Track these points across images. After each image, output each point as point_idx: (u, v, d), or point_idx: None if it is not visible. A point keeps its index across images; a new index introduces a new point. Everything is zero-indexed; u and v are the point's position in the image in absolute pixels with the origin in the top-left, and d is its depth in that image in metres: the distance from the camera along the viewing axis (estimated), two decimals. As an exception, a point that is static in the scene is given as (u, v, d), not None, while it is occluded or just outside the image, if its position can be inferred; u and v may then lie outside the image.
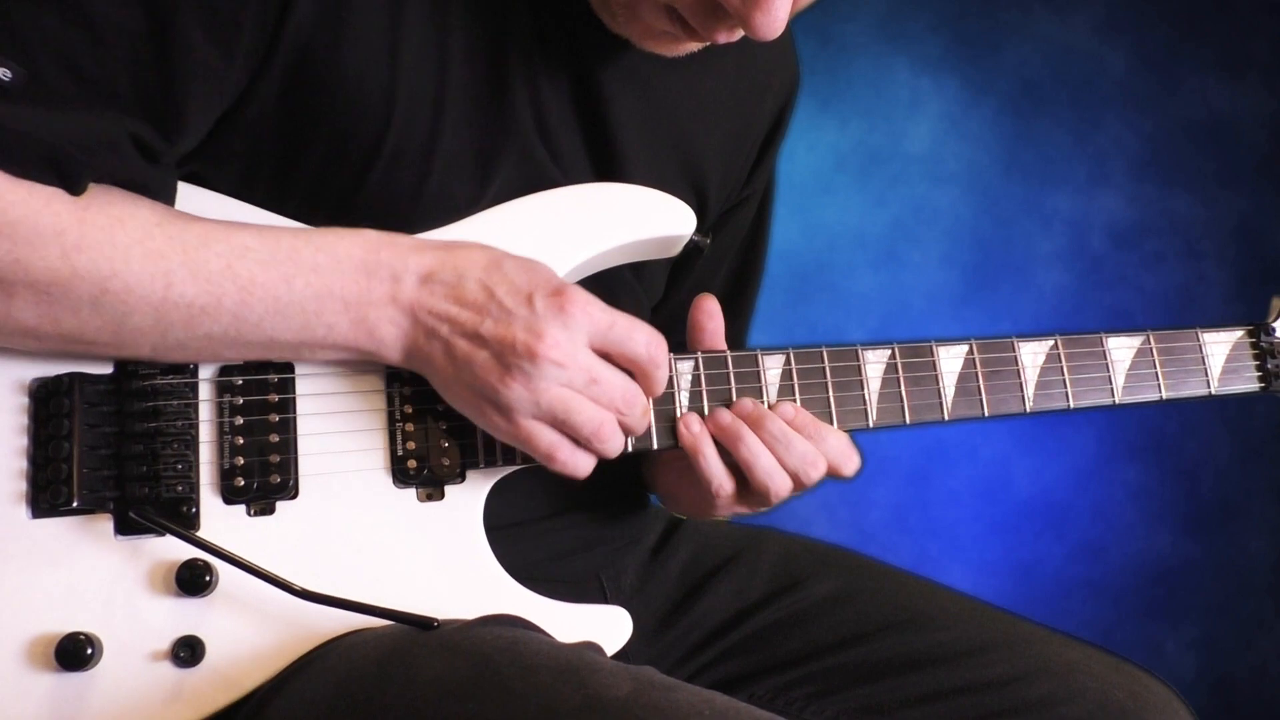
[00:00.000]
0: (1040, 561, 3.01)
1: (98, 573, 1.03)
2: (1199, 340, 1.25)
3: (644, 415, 1.07)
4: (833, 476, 1.13)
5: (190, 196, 1.07)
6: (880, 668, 1.24)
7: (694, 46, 1.12)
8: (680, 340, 1.43)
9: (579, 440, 1.04)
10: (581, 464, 1.05)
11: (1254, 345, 1.26)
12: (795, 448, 1.10)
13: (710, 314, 1.16)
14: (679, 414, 1.11)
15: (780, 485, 1.10)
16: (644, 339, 1.04)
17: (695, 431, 1.10)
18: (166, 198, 1.03)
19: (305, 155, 1.06)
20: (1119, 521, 3.04)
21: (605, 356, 1.04)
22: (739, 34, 1.05)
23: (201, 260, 0.98)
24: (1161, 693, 1.21)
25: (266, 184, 1.08)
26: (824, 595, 1.29)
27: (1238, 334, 1.26)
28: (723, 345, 1.16)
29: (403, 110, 1.07)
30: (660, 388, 1.08)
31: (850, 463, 1.13)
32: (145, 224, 0.97)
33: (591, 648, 1.02)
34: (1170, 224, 3.11)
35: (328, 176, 1.07)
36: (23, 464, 1.04)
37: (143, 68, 0.97)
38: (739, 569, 1.33)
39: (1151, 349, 1.23)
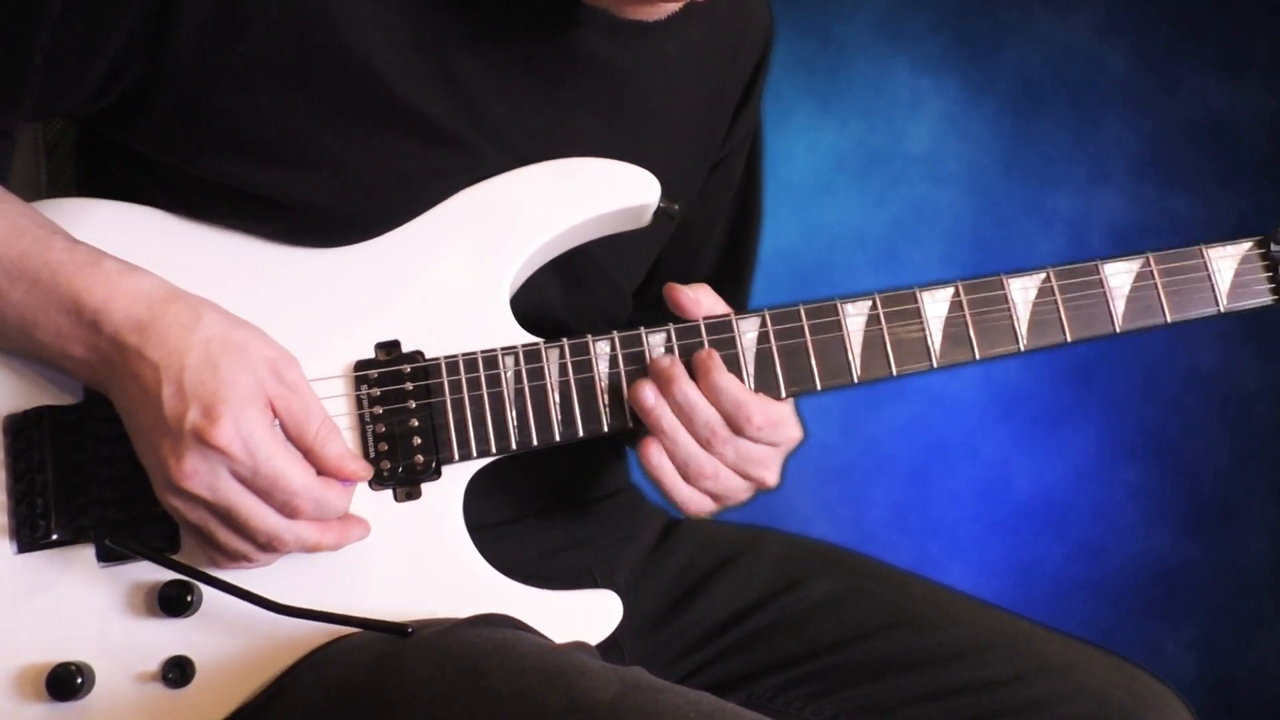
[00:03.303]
0: (1040, 561, 3.01)
1: (85, 601, 1.04)
2: (1204, 257, 1.19)
3: (295, 549, 1.02)
4: (742, 433, 1.09)
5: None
6: (880, 667, 1.24)
7: (674, 8, 1.09)
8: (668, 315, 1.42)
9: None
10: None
11: (1264, 256, 1.20)
12: (699, 413, 1.08)
13: (691, 299, 1.14)
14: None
15: (701, 463, 1.08)
16: (295, 488, 0.99)
17: (651, 406, 1.09)
18: None
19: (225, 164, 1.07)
20: (1119, 521, 3.04)
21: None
22: None
23: None
24: (1161, 692, 1.21)
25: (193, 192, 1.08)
26: (824, 595, 1.29)
27: (1245, 246, 1.20)
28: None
29: (335, 111, 1.06)
30: (330, 513, 1.03)
31: (744, 411, 1.08)
32: None
33: (582, 648, 1.02)
34: (1170, 224, 3.10)
35: (253, 182, 1.07)
36: (4, 498, 1.05)
37: None
38: (738, 569, 1.33)
39: (1153, 271, 1.17)
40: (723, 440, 1.09)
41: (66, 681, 1.00)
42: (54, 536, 1.04)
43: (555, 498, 1.24)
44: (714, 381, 1.09)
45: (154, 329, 0.98)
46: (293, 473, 0.99)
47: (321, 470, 1.02)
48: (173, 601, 1.03)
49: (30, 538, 1.04)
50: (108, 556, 1.04)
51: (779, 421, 1.12)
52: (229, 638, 1.04)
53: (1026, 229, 3.09)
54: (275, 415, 1.00)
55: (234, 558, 1.02)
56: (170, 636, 1.04)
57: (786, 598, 1.29)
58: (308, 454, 1.01)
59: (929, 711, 1.21)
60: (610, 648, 1.09)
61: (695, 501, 1.12)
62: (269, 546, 1.00)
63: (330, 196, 1.08)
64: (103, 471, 1.05)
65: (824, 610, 1.28)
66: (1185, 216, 3.10)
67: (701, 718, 0.86)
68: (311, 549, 1.02)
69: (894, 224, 3.06)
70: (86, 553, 1.04)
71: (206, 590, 1.03)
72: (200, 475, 0.96)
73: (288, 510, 0.99)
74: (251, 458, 0.97)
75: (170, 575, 1.03)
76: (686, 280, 1.38)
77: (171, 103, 1.04)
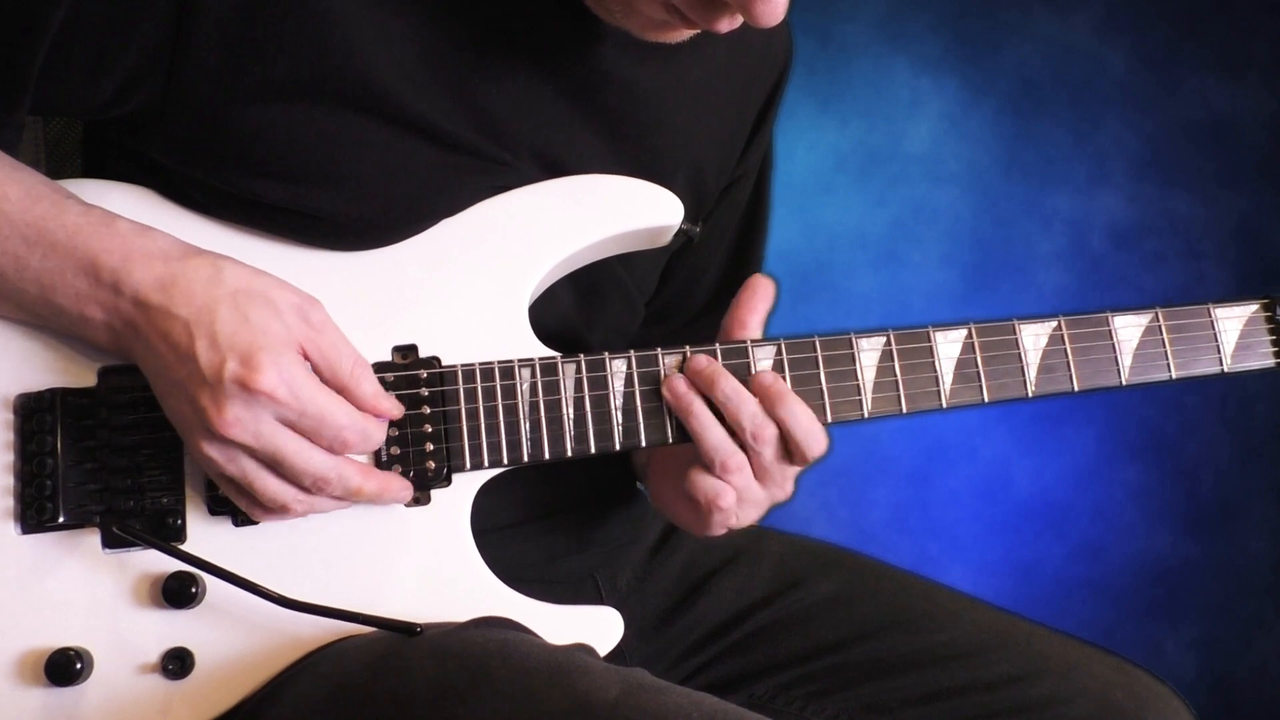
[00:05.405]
0: (1040, 561, 3.01)
1: (87, 587, 1.03)
2: (1211, 316, 1.19)
3: (339, 490, 1.02)
4: (795, 460, 1.10)
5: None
6: (880, 667, 1.24)
7: (695, 31, 1.09)
8: (675, 329, 1.41)
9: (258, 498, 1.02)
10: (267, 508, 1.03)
11: (1269, 319, 1.20)
12: (746, 407, 1.07)
13: (759, 289, 1.14)
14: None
15: (729, 455, 1.07)
16: (342, 423, 1.00)
17: (682, 392, 1.08)
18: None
19: (247, 175, 1.06)
20: (1119, 521, 3.04)
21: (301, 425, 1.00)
22: (740, 22, 1.03)
23: None
24: (1162, 693, 1.21)
25: (205, 199, 1.08)
26: (824, 595, 1.29)
27: (1252, 308, 1.20)
28: (760, 326, 1.14)
29: (351, 128, 1.05)
30: (373, 446, 1.04)
31: (816, 442, 1.09)
32: None
33: (583, 649, 1.02)
34: (1170, 224, 3.11)
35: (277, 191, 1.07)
36: (11, 480, 1.04)
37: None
38: (739, 569, 1.33)
39: (1160, 327, 1.17)
40: (766, 440, 1.08)
41: (65, 667, 1.00)
42: (60, 520, 1.03)
43: (560, 502, 1.24)
44: (790, 407, 1.08)
45: (177, 285, 0.98)
46: (337, 408, 1.00)
47: (356, 408, 1.02)
48: (176, 593, 1.02)
49: (36, 520, 1.03)
50: (113, 543, 1.03)
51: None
52: (231, 632, 1.03)
53: (1026, 229, 3.09)
54: (308, 359, 1.00)
55: (273, 509, 1.01)
56: (172, 628, 1.03)
57: (787, 598, 1.29)
58: (342, 393, 1.02)
59: (930, 712, 1.21)
60: (613, 651, 1.09)
61: (719, 499, 1.09)
62: (314, 488, 1.00)
63: (348, 207, 1.07)
64: (112, 458, 1.04)
65: (825, 610, 1.28)
66: (1185, 216, 3.11)
67: (704, 718, 0.86)
68: (354, 493, 1.02)
69: (894, 224, 3.06)
70: (92, 538, 1.04)
71: (211, 583, 1.03)
72: (244, 423, 0.96)
73: (336, 445, 1.00)
74: (297, 399, 0.97)
75: (175, 566, 1.02)
76: (690, 294, 1.39)
77: (187, 117, 1.04)
